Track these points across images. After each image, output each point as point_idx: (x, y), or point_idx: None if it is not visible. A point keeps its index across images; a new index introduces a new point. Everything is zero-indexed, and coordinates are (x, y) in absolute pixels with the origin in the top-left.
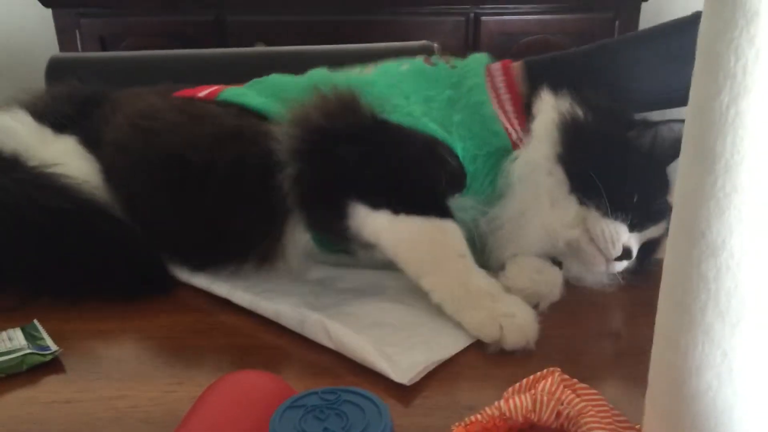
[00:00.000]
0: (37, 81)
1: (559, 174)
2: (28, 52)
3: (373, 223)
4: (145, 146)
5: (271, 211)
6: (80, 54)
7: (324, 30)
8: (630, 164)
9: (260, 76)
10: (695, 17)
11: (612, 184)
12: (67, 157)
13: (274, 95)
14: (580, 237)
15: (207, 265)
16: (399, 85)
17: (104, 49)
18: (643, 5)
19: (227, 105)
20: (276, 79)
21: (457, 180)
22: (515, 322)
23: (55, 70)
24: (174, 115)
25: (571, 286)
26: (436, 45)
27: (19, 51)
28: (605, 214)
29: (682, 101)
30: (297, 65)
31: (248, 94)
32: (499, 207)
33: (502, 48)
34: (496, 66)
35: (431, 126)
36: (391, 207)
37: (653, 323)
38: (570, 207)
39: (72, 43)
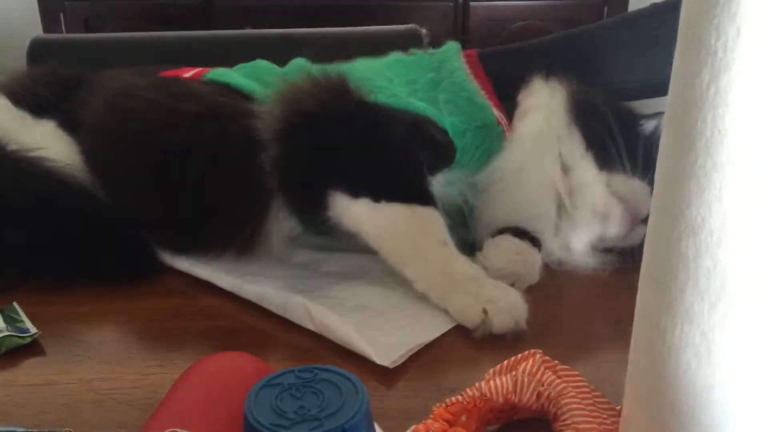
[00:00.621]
0: (20, 63)
1: (574, 137)
2: (11, 33)
3: (354, 213)
4: (124, 125)
5: (254, 194)
6: (63, 35)
7: (312, 14)
8: (638, 138)
9: (247, 58)
10: (670, 4)
11: (628, 150)
12: (47, 141)
13: (259, 78)
14: (608, 199)
15: (189, 248)
16: (381, 71)
17: (89, 31)
18: None
19: (211, 84)
20: (261, 64)
21: (446, 155)
22: (500, 306)
23: (37, 51)
24: (153, 93)
25: (552, 270)
26: (423, 30)
27: (2, 33)
28: (630, 176)
29: (652, 92)
30: (285, 48)
31: (233, 75)
32: (499, 161)
33: (491, 34)
34: (463, 55)
35: (418, 104)
36: (371, 194)
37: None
38: (589, 168)
39: (56, 25)
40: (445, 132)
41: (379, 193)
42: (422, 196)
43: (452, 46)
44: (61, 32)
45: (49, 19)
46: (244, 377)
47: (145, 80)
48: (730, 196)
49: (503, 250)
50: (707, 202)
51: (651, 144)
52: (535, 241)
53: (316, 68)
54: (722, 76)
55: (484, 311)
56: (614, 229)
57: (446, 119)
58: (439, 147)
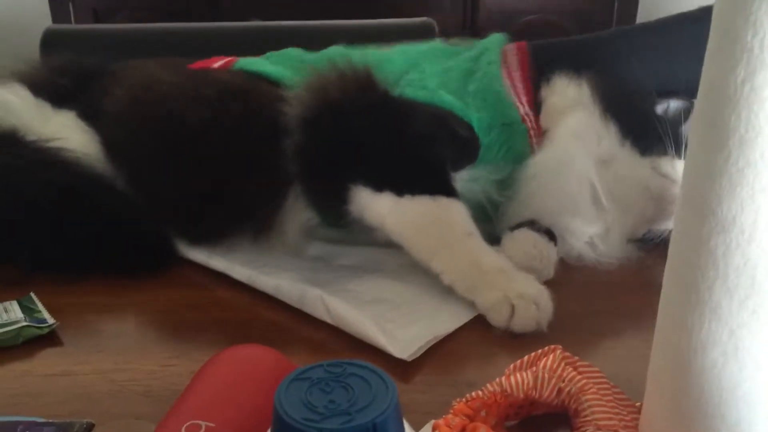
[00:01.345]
0: (29, 53)
1: (610, 129)
2: (21, 24)
3: (377, 207)
4: (146, 115)
5: (273, 180)
6: (76, 26)
7: (319, 5)
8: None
9: (257, 50)
10: (703, 11)
11: (664, 131)
12: (67, 131)
13: (290, 66)
14: (660, 181)
15: (206, 236)
16: (417, 60)
17: (97, 22)
18: None
19: (239, 72)
20: (293, 51)
21: (470, 151)
22: (528, 307)
23: (50, 41)
24: (175, 82)
25: (568, 265)
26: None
27: (10, 22)
28: (675, 156)
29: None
30: (294, 41)
31: (263, 62)
32: (539, 158)
33: (500, 27)
34: (511, 45)
35: (446, 98)
36: (395, 188)
37: (655, 302)
38: (632, 155)
39: (65, 14)
40: (470, 127)
41: (402, 187)
42: (446, 189)
43: (497, 39)
44: (70, 22)
45: (57, 10)
46: (265, 369)
47: (169, 72)
48: (762, 193)
49: (521, 243)
50: (739, 199)
51: (677, 124)
52: (550, 236)
53: (346, 58)
54: (758, 73)
55: (512, 308)
56: (664, 212)
57: (473, 114)
58: (463, 143)
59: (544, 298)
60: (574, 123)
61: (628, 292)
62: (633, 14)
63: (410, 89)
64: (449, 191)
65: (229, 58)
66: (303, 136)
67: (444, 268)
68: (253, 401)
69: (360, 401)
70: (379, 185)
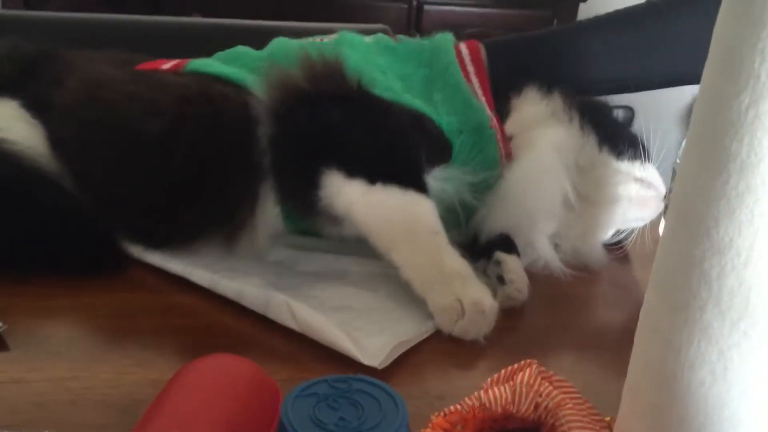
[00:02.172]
0: None
1: (589, 138)
2: None
3: (347, 193)
4: (101, 116)
5: (246, 176)
6: (13, 12)
7: (263, 5)
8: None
9: (198, 48)
10: (650, 5)
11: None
12: (9, 121)
13: (245, 65)
14: (638, 186)
15: (166, 242)
16: (372, 59)
17: (27, 7)
18: (581, 5)
19: (194, 75)
20: (243, 50)
21: (442, 152)
22: (478, 316)
23: None
24: (133, 86)
25: (537, 278)
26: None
27: None
28: (645, 161)
29: (637, 88)
30: (237, 40)
31: (218, 65)
32: (518, 170)
33: None
34: (464, 47)
35: (416, 101)
36: (367, 175)
37: (620, 315)
38: (610, 161)
39: None
40: (440, 130)
41: (375, 175)
42: (418, 184)
43: (446, 38)
44: None
45: None
46: (241, 381)
47: (123, 72)
48: (762, 217)
49: (520, 273)
50: (737, 222)
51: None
52: (517, 254)
53: (291, 49)
54: (763, 100)
55: (462, 314)
56: (650, 212)
57: (443, 118)
58: (436, 141)
59: (493, 311)
60: (555, 136)
61: (592, 306)
62: None
63: (376, 90)
64: (421, 187)
65: (178, 61)
66: (275, 128)
67: (404, 263)
68: (231, 414)
69: (370, 419)
70: (351, 171)
